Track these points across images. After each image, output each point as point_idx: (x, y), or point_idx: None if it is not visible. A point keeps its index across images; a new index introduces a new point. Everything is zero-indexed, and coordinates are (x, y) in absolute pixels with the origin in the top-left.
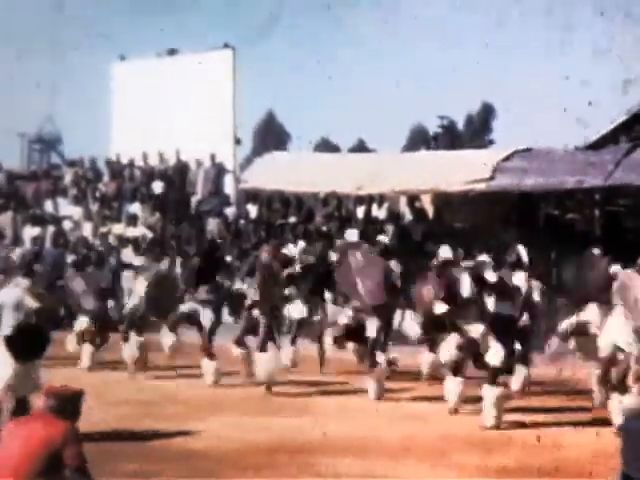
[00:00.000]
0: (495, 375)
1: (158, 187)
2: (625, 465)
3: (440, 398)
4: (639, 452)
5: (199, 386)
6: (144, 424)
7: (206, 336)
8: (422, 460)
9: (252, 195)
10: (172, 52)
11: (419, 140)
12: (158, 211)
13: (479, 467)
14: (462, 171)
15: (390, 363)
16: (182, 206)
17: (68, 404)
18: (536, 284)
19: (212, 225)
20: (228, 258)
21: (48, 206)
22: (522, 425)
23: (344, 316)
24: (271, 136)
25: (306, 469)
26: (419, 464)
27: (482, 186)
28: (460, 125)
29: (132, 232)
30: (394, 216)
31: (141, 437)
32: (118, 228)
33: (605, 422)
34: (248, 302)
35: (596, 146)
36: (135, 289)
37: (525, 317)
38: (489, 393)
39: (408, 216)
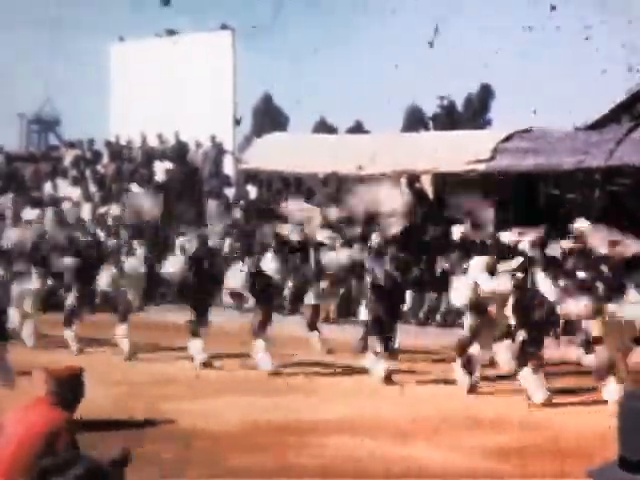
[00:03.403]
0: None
1: (161, 168)
2: (621, 446)
3: (442, 379)
4: (635, 432)
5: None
6: (143, 404)
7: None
8: (425, 441)
9: (252, 176)
10: (171, 33)
11: (415, 122)
12: (160, 192)
13: (481, 448)
14: (462, 152)
15: None
16: (184, 187)
17: (68, 386)
18: None
19: (212, 206)
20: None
21: (47, 187)
22: (525, 406)
23: None
24: (268, 118)
25: (307, 449)
26: (422, 445)
27: (482, 167)
28: (459, 106)
29: None
30: None
31: (142, 418)
32: (116, 209)
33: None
34: None
35: (597, 126)
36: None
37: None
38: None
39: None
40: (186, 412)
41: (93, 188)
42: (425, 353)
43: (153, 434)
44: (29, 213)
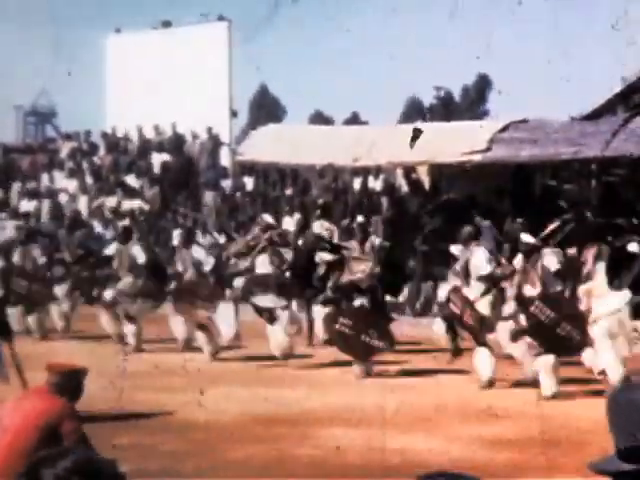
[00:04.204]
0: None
1: (158, 160)
2: (614, 436)
3: (439, 370)
4: (625, 422)
5: (196, 358)
6: (141, 396)
7: None
8: (420, 431)
9: (248, 167)
10: (167, 24)
11: (414, 112)
12: (157, 184)
13: (476, 438)
14: (458, 142)
15: None
16: (181, 179)
17: (69, 381)
18: None
19: (208, 198)
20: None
21: (44, 179)
22: (520, 395)
23: None
24: (265, 110)
25: (304, 440)
26: (417, 435)
27: (478, 157)
28: (455, 96)
29: (129, 205)
30: (390, 188)
31: (138, 409)
32: (113, 201)
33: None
34: None
35: (593, 116)
36: None
37: None
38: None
39: (404, 188)
40: (185, 403)
41: (90, 180)
42: (421, 344)
43: (151, 425)
44: (26, 205)
